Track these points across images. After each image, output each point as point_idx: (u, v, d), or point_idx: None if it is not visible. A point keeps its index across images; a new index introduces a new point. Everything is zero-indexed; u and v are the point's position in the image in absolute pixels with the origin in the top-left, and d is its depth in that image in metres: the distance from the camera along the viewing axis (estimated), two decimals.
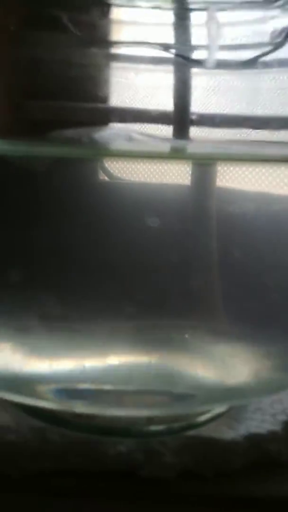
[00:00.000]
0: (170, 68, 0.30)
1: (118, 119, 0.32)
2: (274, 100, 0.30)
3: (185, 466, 0.24)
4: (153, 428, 0.24)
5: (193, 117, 0.29)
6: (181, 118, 0.29)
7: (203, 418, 0.25)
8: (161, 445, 0.24)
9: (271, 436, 0.24)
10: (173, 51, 0.29)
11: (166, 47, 0.29)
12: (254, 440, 0.24)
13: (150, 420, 0.24)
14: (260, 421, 0.25)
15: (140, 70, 0.30)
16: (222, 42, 0.29)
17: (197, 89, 0.29)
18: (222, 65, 0.29)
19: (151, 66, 0.30)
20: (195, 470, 0.24)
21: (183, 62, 0.29)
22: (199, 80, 0.30)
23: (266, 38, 0.28)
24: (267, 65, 0.29)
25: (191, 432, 0.24)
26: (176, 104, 0.29)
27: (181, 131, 0.29)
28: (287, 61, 0.29)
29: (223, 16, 0.28)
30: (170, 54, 0.30)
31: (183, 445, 0.24)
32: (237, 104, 0.30)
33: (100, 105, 0.31)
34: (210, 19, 0.23)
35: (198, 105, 0.30)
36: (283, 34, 0.27)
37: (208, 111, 0.30)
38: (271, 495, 0.24)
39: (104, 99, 0.31)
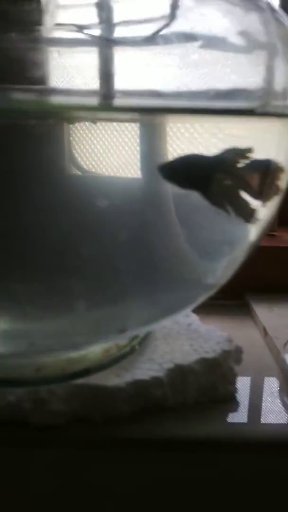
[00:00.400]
0: (88, 48, 0.31)
1: None
2: (180, 74, 0.31)
3: (74, 412, 0.25)
4: (42, 377, 0.25)
5: (116, 93, 0.30)
6: (105, 95, 0.30)
7: (91, 367, 0.26)
8: (49, 394, 0.25)
9: (155, 382, 0.26)
10: (87, 31, 0.30)
11: (79, 27, 0.30)
12: (138, 386, 0.25)
13: (39, 370, 0.25)
14: (147, 369, 0.26)
15: (62, 51, 0.31)
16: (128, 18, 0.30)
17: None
18: (127, 42, 0.30)
19: (71, 48, 0.31)
20: (85, 416, 0.26)
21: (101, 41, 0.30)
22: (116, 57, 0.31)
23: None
24: (167, 40, 0.30)
25: (79, 381, 0.25)
26: (100, 82, 0.30)
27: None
28: (183, 35, 0.30)
29: None
30: (84, 35, 0.31)
31: (71, 393, 0.25)
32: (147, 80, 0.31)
33: (27, 86, 0.32)
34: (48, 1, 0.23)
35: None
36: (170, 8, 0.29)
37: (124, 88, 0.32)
38: (155, 436, 0.25)
39: (31, 80, 0.32)
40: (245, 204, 0.21)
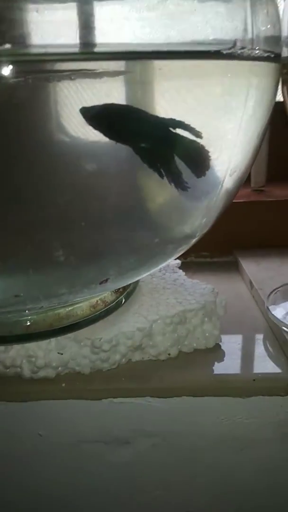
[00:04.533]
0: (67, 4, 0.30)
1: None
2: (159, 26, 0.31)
3: (64, 365, 0.27)
4: (32, 333, 0.26)
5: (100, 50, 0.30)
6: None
7: (80, 322, 0.27)
8: (39, 349, 0.26)
9: (139, 332, 0.26)
10: None
11: None
12: (124, 337, 0.26)
13: (28, 327, 0.26)
14: (134, 322, 0.27)
15: (40, 8, 0.31)
16: None
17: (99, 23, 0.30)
18: None
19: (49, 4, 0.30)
20: (74, 368, 0.27)
21: None
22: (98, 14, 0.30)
23: None
24: None
25: (69, 335, 0.26)
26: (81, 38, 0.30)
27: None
28: None
29: None
30: None
31: (61, 347, 0.26)
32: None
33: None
34: None
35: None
36: None
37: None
38: (143, 385, 0.27)
39: (10, 40, 0.31)
40: (179, 172, 0.22)
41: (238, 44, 0.24)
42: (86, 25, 0.31)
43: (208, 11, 0.28)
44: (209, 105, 0.22)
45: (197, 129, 0.21)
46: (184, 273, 0.34)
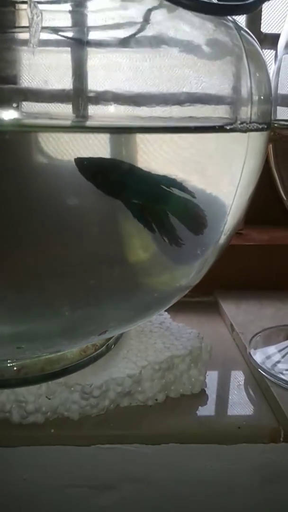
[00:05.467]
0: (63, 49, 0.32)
1: (21, 99, 0.33)
2: (152, 77, 0.32)
3: (53, 410, 0.27)
4: (23, 378, 0.26)
5: (91, 94, 0.31)
6: (79, 96, 0.31)
7: (70, 367, 0.27)
8: (30, 394, 0.26)
9: (129, 378, 0.27)
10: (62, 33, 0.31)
11: (55, 30, 0.31)
12: (114, 383, 0.27)
13: (19, 372, 0.26)
14: (123, 367, 0.28)
15: (36, 51, 0.32)
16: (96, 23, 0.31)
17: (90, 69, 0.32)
18: (102, 44, 0.31)
19: (45, 48, 0.32)
20: (64, 414, 0.27)
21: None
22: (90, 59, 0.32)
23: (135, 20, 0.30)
24: (140, 43, 0.31)
25: (58, 380, 0.27)
26: (73, 83, 0.31)
27: (79, 108, 0.31)
28: (155, 40, 0.31)
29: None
30: (59, 36, 0.31)
31: (50, 392, 0.26)
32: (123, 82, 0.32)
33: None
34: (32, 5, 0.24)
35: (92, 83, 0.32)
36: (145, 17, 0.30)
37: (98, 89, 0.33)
38: (131, 431, 0.27)
39: (4, 80, 0.32)
40: (173, 229, 0.23)
41: (231, 106, 0.26)
42: (79, 70, 0.32)
43: (200, 68, 0.30)
44: (210, 172, 0.23)
45: (200, 195, 0.22)
46: (169, 316, 0.35)
